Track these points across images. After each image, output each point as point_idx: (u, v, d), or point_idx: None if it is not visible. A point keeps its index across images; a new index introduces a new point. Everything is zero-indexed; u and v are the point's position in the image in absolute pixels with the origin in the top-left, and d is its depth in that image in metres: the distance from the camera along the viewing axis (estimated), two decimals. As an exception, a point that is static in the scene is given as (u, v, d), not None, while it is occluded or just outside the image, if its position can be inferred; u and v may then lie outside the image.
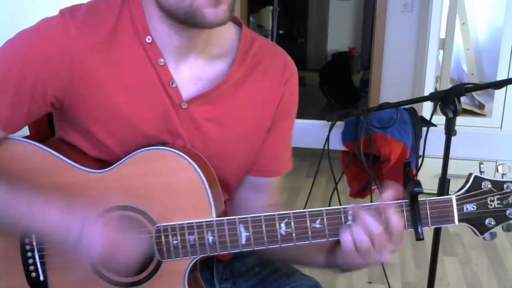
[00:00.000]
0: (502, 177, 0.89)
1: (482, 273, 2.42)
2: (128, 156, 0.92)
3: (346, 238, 0.87)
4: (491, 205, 0.88)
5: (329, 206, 1.81)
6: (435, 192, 1.42)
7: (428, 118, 1.69)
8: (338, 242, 0.92)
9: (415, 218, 0.88)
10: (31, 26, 0.91)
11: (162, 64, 0.93)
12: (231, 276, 1.12)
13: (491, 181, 0.89)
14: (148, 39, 0.92)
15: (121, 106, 0.93)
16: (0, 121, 0.90)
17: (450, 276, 2.39)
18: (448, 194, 1.41)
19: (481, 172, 0.90)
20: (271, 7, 6.48)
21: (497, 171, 0.89)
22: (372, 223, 0.86)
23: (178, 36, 0.92)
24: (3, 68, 0.89)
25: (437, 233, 1.52)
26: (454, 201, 0.89)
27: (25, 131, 1.02)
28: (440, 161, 1.44)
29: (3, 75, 0.88)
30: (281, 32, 6.71)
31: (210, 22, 0.85)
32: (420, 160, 1.78)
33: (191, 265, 0.93)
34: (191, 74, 0.96)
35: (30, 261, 0.95)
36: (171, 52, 0.93)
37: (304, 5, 6.82)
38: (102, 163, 0.96)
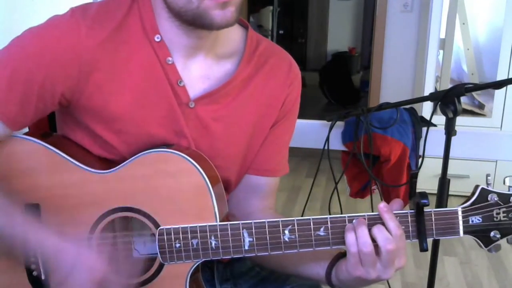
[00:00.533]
0: (509, 190, 0.88)
1: (482, 273, 2.42)
2: (132, 158, 0.92)
3: (350, 238, 0.86)
4: (496, 217, 0.87)
5: (329, 206, 1.81)
6: (435, 192, 1.42)
7: (428, 118, 1.69)
8: (342, 256, 0.92)
9: (420, 229, 0.87)
10: (40, 23, 0.91)
11: (170, 62, 0.93)
12: (231, 276, 1.12)
13: (498, 194, 0.88)
14: (157, 38, 0.92)
15: (127, 104, 0.93)
16: (8, 118, 0.89)
17: (450, 276, 2.39)
18: (448, 194, 1.42)
19: (488, 184, 0.89)
20: (271, 7, 6.48)
21: (504, 183, 0.88)
22: (377, 228, 0.86)
23: (187, 36, 0.92)
24: (13, 65, 0.88)
25: (437, 233, 1.52)
26: (460, 213, 0.88)
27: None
28: (440, 161, 1.44)
29: (12, 72, 0.87)
30: (281, 32, 6.71)
31: (218, 24, 0.86)
32: (420, 160, 1.78)
33: (193, 268, 0.92)
34: (200, 73, 0.96)
35: (32, 259, 0.95)
36: (179, 51, 0.94)
37: (304, 5, 6.82)
38: (107, 162, 0.96)
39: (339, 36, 6.66)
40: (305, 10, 6.84)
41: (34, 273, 0.95)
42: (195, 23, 0.87)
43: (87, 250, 0.89)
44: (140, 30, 0.92)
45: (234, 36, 1.00)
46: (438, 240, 1.52)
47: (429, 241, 1.54)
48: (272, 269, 1.09)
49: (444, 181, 1.43)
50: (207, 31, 0.91)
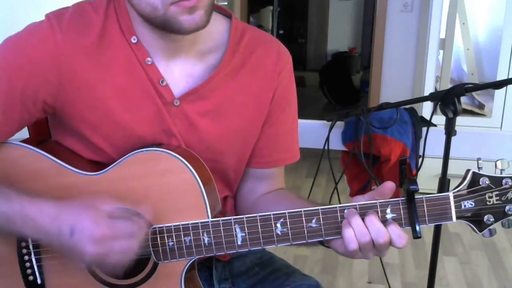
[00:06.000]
0: (501, 173, 0.88)
1: (482, 273, 2.41)
2: (122, 158, 0.92)
3: (348, 234, 0.85)
4: (489, 201, 0.87)
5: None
6: (435, 192, 1.42)
7: (428, 118, 1.69)
8: None
9: (412, 215, 0.87)
10: (18, 32, 0.91)
11: (150, 63, 0.93)
12: (230, 276, 1.12)
13: (489, 177, 0.87)
14: (133, 39, 0.92)
15: (112, 108, 0.92)
16: None
17: (450, 276, 2.39)
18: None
19: (479, 168, 0.88)
20: (271, 7, 6.47)
21: (496, 166, 0.88)
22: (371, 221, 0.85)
23: (162, 39, 0.92)
24: None
25: (437, 232, 1.52)
26: (451, 198, 0.87)
27: (25, 134, 1.02)
28: (440, 161, 1.44)
29: None
30: (281, 32, 6.71)
31: (186, 29, 0.85)
32: (420, 160, 1.78)
33: (187, 266, 0.92)
34: (183, 72, 0.95)
35: (27, 264, 0.95)
36: (159, 53, 0.93)
37: (304, 5, 6.82)
38: (98, 166, 0.95)
39: (339, 36, 6.65)
40: (305, 10, 6.83)
41: (30, 277, 0.96)
42: (165, 28, 0.87)
43: (86, 212, 0.85)
44: (119, 32, 0.92)
45: (216, 28, 0.98)
46: (438, 240, 1.52)
47: (429, 241, 1.53)
48: (276, 261, 1.09)
49: (444, 181, 1.43)
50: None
